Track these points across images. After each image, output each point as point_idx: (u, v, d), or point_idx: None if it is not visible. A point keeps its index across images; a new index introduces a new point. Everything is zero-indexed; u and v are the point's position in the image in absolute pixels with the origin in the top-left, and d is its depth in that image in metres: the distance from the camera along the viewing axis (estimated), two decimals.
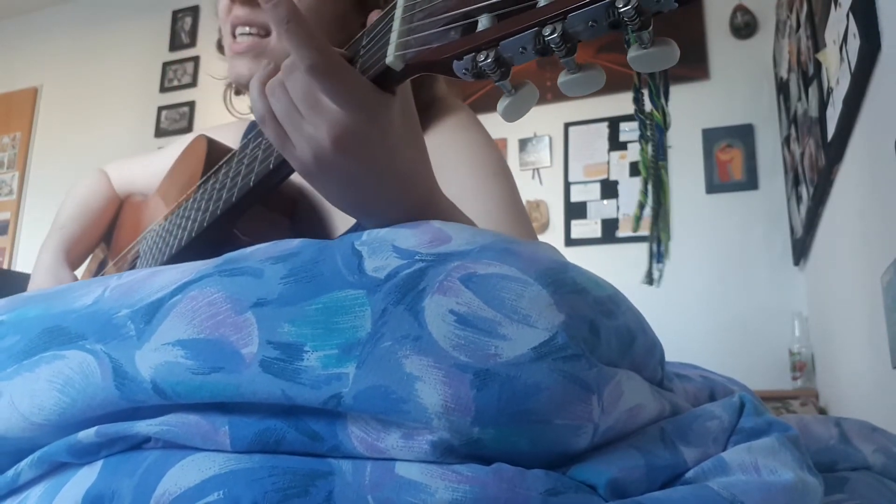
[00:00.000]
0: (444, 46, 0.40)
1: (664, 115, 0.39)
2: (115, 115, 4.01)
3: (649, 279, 0.44)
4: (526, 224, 0.72)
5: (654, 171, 0.41)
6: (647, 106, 0.42)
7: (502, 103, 0.40)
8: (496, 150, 0.77)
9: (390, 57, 0.43)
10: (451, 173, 0.71)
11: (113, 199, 1.04)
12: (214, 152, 0.77)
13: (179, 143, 0.95)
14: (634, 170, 2.95)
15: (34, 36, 4.38)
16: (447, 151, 0.73)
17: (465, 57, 0.39)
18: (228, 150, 0.78)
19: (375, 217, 0.50)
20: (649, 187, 0.42)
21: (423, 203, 0.51)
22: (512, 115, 0.41)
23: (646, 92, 0.41)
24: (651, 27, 0.34)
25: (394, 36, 0.43)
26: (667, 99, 0.39)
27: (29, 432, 0.38)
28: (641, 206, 0.43)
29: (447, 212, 0.53)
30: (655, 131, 0.40)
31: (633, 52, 0.35)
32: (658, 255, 0.43)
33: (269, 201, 0.74)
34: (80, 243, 0.98)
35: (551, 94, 3.14)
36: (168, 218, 0.77)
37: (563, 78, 0.38)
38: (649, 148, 0.41)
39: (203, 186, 0.70)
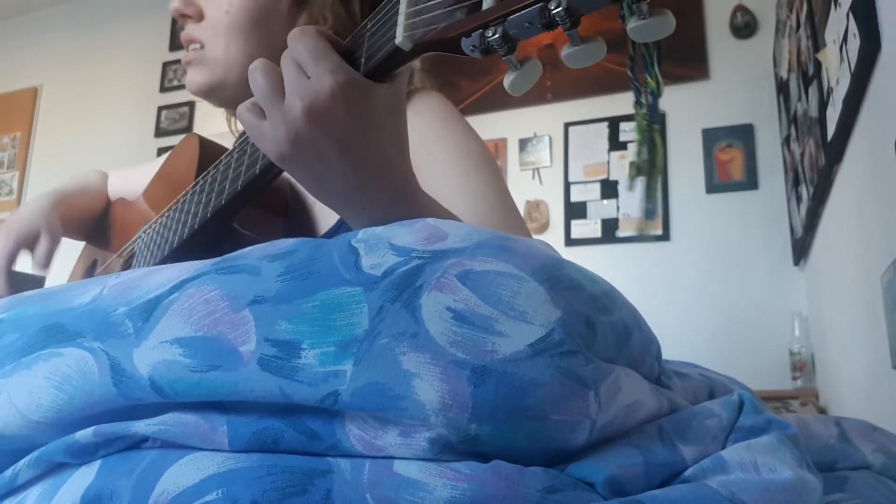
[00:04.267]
0: (452, 25, 0.42)
1: (658, 81, 0.41)
2: (115, 115, 4.01)
3: (641, 235, 0.45)
4: (515, 217, 0.72)
5: (648, 135, 0.43)
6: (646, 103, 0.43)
7: (509, 77, 0.42)
8: (477, 139, 0.78)
9: (399, 37, 0.44)
10: (435, 169, 0.71)
11: (104, 194, 1.07)
12: (208, 149, 0.77)
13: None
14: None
15: (34, 36, 4.38)
16: (427, 147, 0.74)
17: (473, 34, 0.41)
18: (222, 148, 0.78)
19: (349, 207, 0.51)
20: (643, 149, 0.43)
21: (399, 197, 0.51)
22: (518, 89, 0.42)
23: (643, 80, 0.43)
24: None
25: (401, 18, 0.45)
26: (660, 66, 0.41)
27: (26, 430, 0.38)
28: (638, 168, 0.44)
29: (426, 207, 0.54)
30: (650, 97, 0.41)
31: (632, 23, 0.37)
32: (650, 212, 0.45)
33: (265, 196, 0.74)
34: (72, 208, 0.99)
35: (551, 94, 3.14)
36: (166, 214, 0.77)
37: (566, 50, 0.40)
38: (644, 113, 0.42)
39: (203, 180, 0.70)
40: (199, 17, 0.78)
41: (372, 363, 0.33)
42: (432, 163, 0.72)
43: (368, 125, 0.48)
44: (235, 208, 0.65)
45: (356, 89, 0.47)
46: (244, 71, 0.75)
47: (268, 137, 0.49)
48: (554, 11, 0.37)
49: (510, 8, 0.38)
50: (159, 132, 3.90)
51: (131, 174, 1.07)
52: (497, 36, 0.39)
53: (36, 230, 0.91)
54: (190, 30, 0.79)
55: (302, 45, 0.47)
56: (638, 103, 0.42)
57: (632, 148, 3.14)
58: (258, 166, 0.59)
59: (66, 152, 4.02)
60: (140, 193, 0.96)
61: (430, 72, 0.85)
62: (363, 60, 0.48)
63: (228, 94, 0.79)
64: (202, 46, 0.78)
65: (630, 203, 2.96)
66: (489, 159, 0.76)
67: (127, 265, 0.86)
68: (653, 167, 0.44)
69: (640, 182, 0.44)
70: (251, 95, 0.77)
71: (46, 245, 0.91)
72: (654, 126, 0.42)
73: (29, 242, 0.91)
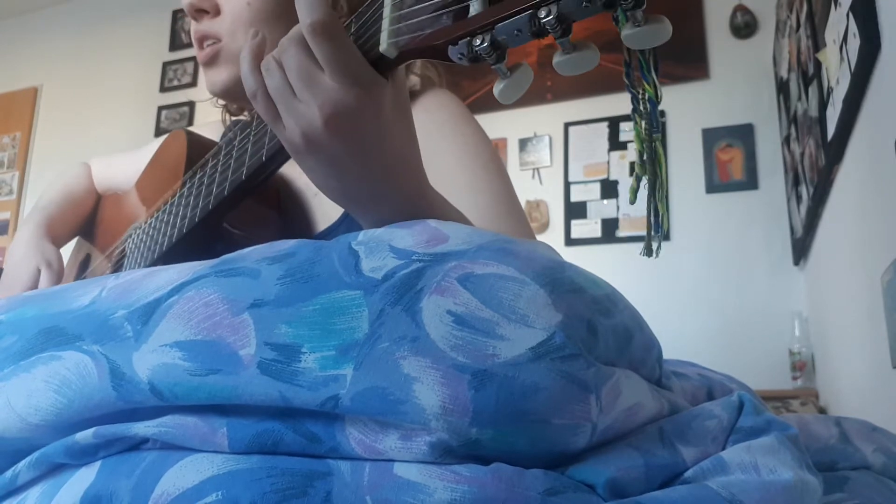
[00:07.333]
0: (438, 31, 0.40)
1: (656, 88, 0.39)
2: (115, 115, 4.01)
3: (648, 251, 0.43)
4: (519, 216, 0.71)
5: (649, 144, 0.41)
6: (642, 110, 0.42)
7: (498, 86, 0.40)
8: (486, 140, 0.77)
9: (384, 44, 0.43)
10: (441, 167, 0.71)
11: (91, 191, 1.06)
12: (196, 146, 0.76)
13: (160, 142, 0.96)
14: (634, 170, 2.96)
15: (34, 36, 4.38)
16: (436, 144, 0.73)
17: (460, 42, 0.39)
18: (210, 143, 0.77)
19: (361, 205, 0.50)
20: (645, 160, 0.42)
21: (412, 195, 0.50)
22: (508, 97, 0.40)
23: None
24: (644, 5, 0.34)
25: (385, 23, 0.43)
26: (657, 72, 0.39)
27: (26, 433, 0.38)
28: (638, 179, 0.43)
29: (437, 206, 0.52)
30: (648, 104, 0.40)
31: (626, 31, 0.36)
32: (656, 226, 0.43)
33: (257, 194, 0.74)
34: (61, 225, 0.99)
35: (551, 94, 3.14)
36: (154, 215, 0.76)
37: (558, 58, 0.38)
38: (643, 122, 0.41)
39: (190, 181, 0.69)
40: (216, 11, 0.74)
41: (372, 367, 0.33)
42: (439, 161, 0.71)
43: (384, 122, 0.46)
44: (224, 211, 0.64)
45: (374, 87, 0.45)
46: None
47: (283, 135, 0.47)
48: (544, 20, 0.35)
49: (498, 15, 0.37)
50: (159, 132, 3.90)
51: (116, 163, 1.06)
52: (485, 44, 0.38)
53: (35, 272, 0.91)
54: (205, 25, 0.75)
55: (322, 44, 0.44)
56: (636, 111, 0.40)
57: (633, 148, 3.13)
58: (244, 171, 0.58)
59: (66, 152, 4.02)
60: (127, 186, 0.96)
61: (440, 68, 0.84)
62: None
63: None
64: (218, 42, 0.75)
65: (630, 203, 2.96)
66: (496, 159, 0.75)
67: (118, 265, 0.86)
68: (656, 178, 0.42)
69: (645, 194, 0.43)
70: None
71: (50, 281, 0.90)
72: (654, 136, 0.41)
73: (33, 287, 0.91)
